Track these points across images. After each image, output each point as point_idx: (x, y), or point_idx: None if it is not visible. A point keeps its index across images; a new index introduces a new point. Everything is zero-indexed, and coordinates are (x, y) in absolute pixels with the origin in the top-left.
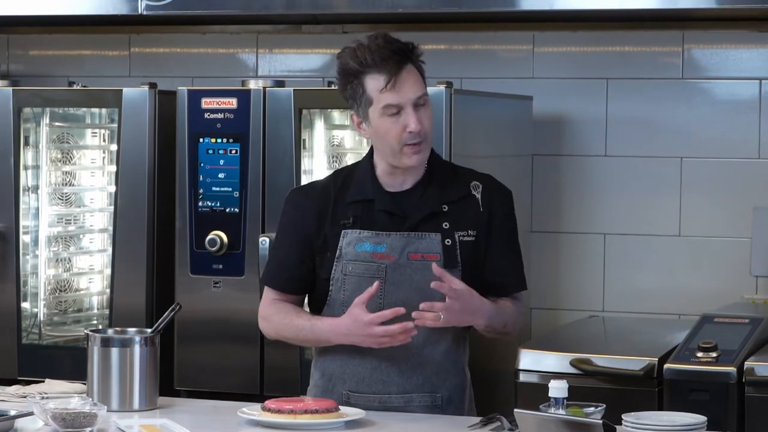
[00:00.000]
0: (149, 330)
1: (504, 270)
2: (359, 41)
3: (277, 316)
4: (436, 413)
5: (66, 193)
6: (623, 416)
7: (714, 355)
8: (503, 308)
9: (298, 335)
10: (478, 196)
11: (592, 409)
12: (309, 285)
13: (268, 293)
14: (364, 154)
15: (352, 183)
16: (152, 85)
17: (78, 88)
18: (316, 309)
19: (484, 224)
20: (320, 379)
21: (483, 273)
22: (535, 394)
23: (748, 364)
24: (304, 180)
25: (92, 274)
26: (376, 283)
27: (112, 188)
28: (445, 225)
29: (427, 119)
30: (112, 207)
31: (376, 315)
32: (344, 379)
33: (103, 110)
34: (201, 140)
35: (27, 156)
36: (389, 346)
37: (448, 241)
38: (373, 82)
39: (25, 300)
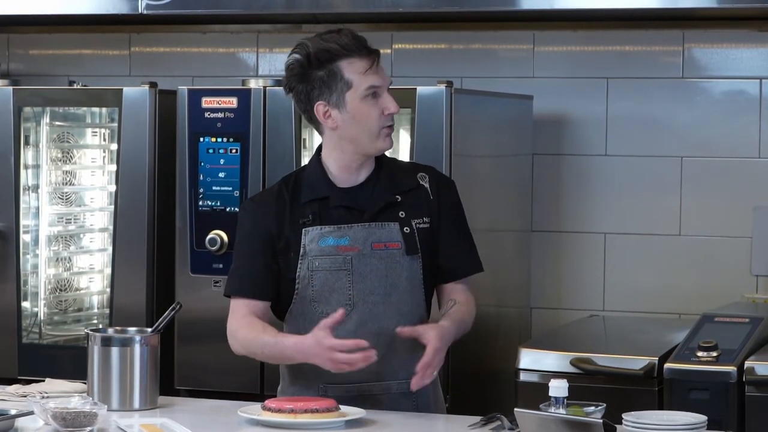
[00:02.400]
0: (149, 329)
1: (457, 255)
2: (318, 35)
3: (244, 331)
4: (411, 399)
5: (66, 193)
6: (623, 415)
7: (714, 354)
8: (461, 318)
9: (263, 351)
10: (427, 185)
11: (593, 408)
12: (275, 290)
13: (237, 305)
14: None
15: (303, 185)
16: (152, 85)
17: (78, 87)
18: (282, 310)
19: (436, 212)
20: (296, 376)
21: (437, 259)
22: (536, 394)
23: (748, 363)
24: None
25: (92, 273)
26: (341, 311)
27: (113, 187)
28: (402, 214)
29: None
30: (113, 206)
31: (339, 343)
32: (320, 373)
33: (104, 109)
34: (201, 139)
35: (27, 155)
36: (361, 336)
37: (406, 229)
38: (354, 66)
39: (25, 299)
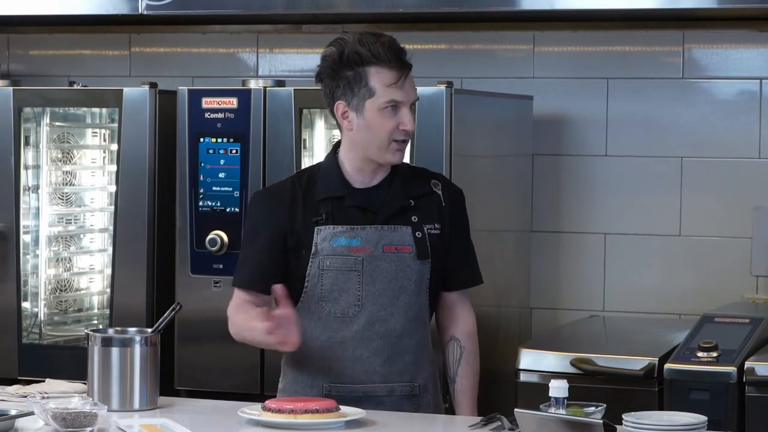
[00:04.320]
0: (150, 330)
1: (461, 265)
2: (359, 34)
3: (239, 317)
4: (413, 401)
5: (66, 193)
6: (624, 416)
7: (714, 354)
8: (474, 387)
9: (254, 337)
10: (440, 192)
11: (593, 408)
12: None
13: (239, 294)
14: None
15: (318, 182)
16: (153, 85)
17: (78, 87)
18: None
19: (447, 219)
20: (299, 375)
21: (447, 266)
22: (536, 394)
23: (748, 363)
24: None
25: (93, 273)
26: (280, 286)
27: (113, 188)
28: (414, 218)
29: (414, 122)
30: (113, 207)
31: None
32: (325, 372)
33: (104, 110)
34: (201, 140)
35: (27, 156)
36: (368, 337)
37: (418, 234)
38: (381, 76)
39: (25, 300)
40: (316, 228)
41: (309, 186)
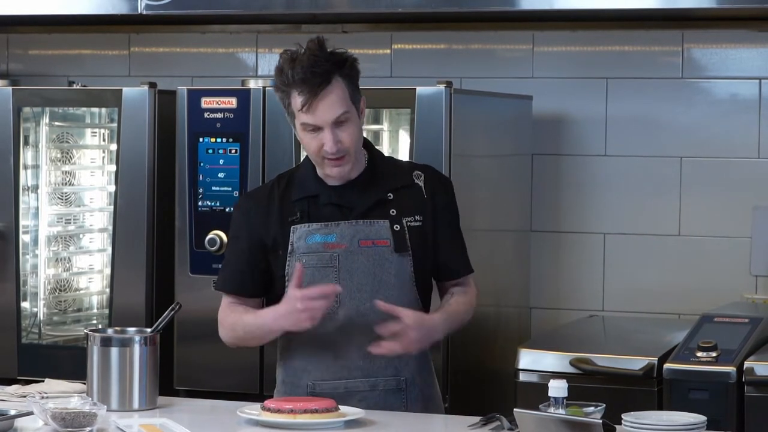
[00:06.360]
0: (149, 329)
1: (453, 255)
2: (297, 49)
3: (229, 318)
4: (400, 396)
5: (66, 193)
6: (623, 416)
7: (714, 354)
8: (454, 309)
9: (246, 330)
10: (421, 184)
11: (592, 408)
12: (262, 287)
13: (224, 299)
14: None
15: (294, 183)
16: (152, 85)
17: (78, 87)
18: None
19: (429, 211)
20: (286, 375)
21: (433, 258)
22: (535, 394)
23: (747, 363)
24: None
25: (92, 273)
26: (298, 265)
27: (112, 188)
28: (392, 212)
29: (349, 135)
30: (112, 206)
31: (306, 291)
32: (308, 371)
33: (103, 110)
34: (201, 140)
35: (27, 155)
36: (348, 333)
37: (396, 227)
38: (295, 100)
39: (24, 299)
40: (292, 227)
41: (287, 187)
